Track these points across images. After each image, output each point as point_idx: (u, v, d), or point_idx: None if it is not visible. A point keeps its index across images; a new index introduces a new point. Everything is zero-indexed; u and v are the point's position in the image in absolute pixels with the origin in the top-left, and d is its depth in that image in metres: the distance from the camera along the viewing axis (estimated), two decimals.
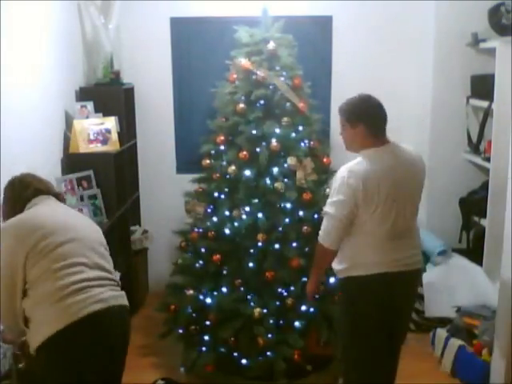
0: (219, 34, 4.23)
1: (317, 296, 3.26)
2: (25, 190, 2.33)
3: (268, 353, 3.20)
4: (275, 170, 3.36)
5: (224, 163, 3.44)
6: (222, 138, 3.48)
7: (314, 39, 4.34)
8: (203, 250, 3.44)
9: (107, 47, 4.07)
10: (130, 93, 4.35)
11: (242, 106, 3.42)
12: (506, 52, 3.72)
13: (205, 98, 4.14)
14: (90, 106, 3.88)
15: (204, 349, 3.32)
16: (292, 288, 3.29)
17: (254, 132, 3.38)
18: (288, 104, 3.47)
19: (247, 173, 3.35)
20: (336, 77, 4.45)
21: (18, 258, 2.08)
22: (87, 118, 3.81)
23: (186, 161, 4.50)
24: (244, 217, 3.32)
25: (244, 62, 3.46)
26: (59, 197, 2.46)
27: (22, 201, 2.31)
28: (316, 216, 3.34)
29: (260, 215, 3.31)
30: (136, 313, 4.07)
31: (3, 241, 2.13)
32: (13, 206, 2.32)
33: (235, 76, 3.53)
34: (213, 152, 3.55)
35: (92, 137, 3.72)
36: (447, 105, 4.33)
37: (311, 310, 3.30)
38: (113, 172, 3.77)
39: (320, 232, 2.58)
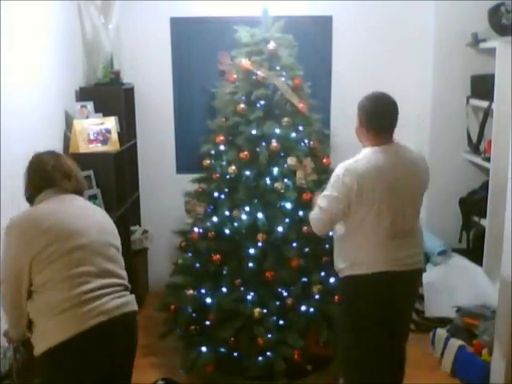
0: (219, 34, 4.23)
1: (317, 296, 3.27)
2: (38, 176, 2.23)
3: (268, 353, 3.20)
4: (275, 170, 3.36)
5: (224, 163, 3.44)
6: (222, 138, 3.48)
7: (314, 39, 4.34)
8: (203, 250, 3.44)
9: (107, 47, 4.07)
10: (130, 93, 4.35)
11: (242, 106, 3.41)
12: (506, 52, 3.73)
13: (205, 98, 4.15)
14: (89, 106, 3.88)
15: (204, 349, 3.31)
16: (292, 288, 3.29)
17: (254, 132, 3.38)
18: (288, 104, 3.47)
19: (247, 173, 3.35)
20: (336, 77, 4.45)
21: (23, 261, 2.06)
22: (87, 118, 3.81)
23: (186, 161, 4.49)
24: (244, 217, 3.32)
25: (244, 61, 3.46)
26: (79, 188, 2.31)
27: (32, 187, 2.25)
28: None
29: (260, 215, 3.31)
30: None
31: (9, 239, 2.10)
32: (26, 186, 2.27)
33: (235, 76, 3.53)
34: (213, 152, 3.55)
35: (92, 137, 3.72)
36: (447, 105, 4.33)
37: (311, 310, 3.30)
38: (113, 172, 3.77)
39: (309, 217, 2.65)
